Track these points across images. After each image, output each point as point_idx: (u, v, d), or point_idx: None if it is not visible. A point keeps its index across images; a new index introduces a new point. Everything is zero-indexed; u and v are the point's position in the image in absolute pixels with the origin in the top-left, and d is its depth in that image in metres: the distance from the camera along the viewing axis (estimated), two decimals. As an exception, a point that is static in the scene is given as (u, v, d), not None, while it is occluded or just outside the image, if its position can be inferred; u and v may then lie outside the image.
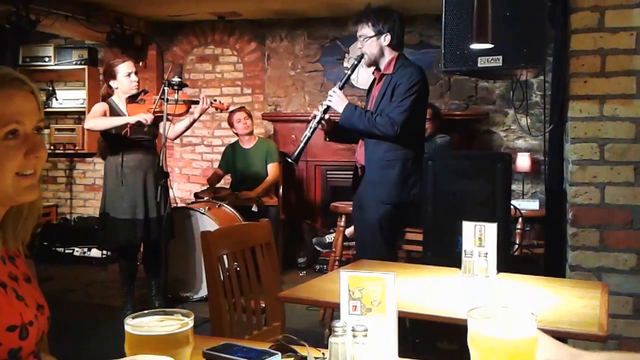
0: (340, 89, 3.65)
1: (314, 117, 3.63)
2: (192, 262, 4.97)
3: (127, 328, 1.17)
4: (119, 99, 4.49)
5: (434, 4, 3.46)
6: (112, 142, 4.50)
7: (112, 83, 4.47)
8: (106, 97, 4.53)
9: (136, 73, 4.49)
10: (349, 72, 3.72)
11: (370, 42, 3.58)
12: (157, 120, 4.41)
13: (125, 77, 4.43)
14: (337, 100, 3.60)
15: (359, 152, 3.75)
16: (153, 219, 4.41)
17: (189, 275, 5.03)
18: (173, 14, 6.71)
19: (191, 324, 1.19)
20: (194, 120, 4.60)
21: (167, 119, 4.41)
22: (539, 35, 2.67)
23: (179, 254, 4.96)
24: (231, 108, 5.93)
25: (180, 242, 4.91)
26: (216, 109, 4.74)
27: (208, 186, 5.91)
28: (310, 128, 3.64)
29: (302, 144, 3.64)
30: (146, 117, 4.24)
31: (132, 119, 4.29)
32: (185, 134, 5.00)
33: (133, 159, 4.43)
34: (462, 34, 2.77)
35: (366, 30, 3.58)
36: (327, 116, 3.66)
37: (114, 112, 4.44)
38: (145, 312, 1.21)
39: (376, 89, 3.68)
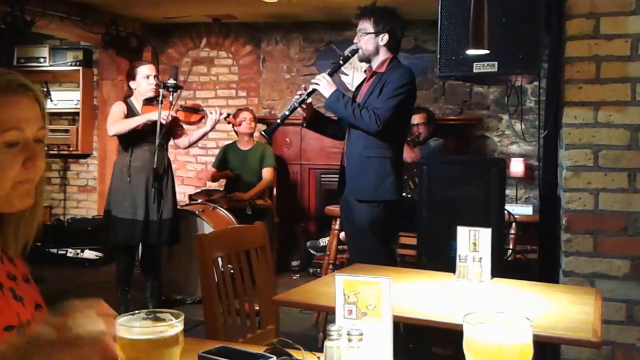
0: (330, 76, 3.66)
1: (298, 96, 3.65)
2: (187, 265, 4.96)
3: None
4: (136, 101, 4.53)
5: (430, 8, 3.47)
6: (123, 138, 4.50)
7: (131, 84, 4.53)
8: (126, 98, 4.60)
9: (155, 77, 4.52)
10: (341, 61, 3.72)
11: (368, 38, 3.59)
12: (173, 124, 4.48)
13: (143, 79, 4.47)
14: (325, 85, 3.60)
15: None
16: (153, 222, 4.38)
17: (183, 277, 5.02)
18: (168, 16, 6.71)
19: (181, 326, 1.17)
20: (206, 133, 4.63)
21: (181, 126, 4.62)
22: (535, 42, 2.68)
23: (173, 256, 4.94)
24: (227, 111, 5.94)
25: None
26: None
27: (203, 187, 5.89)
28: (290, 107, 3.65)
29: (279, 120, 3.69)
30: (164, 116, 4.23)
31: (149, 117, 4.33)
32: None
33: (140, 159, 4.43)
34: (458, 39, 2.77)
35: (367, 25, 3.59)
36: (310, 100, 3.69)
37: (131, 113, 4.49)
38: (136, 312, 1.20)
39: (365, 85, 3.70)
